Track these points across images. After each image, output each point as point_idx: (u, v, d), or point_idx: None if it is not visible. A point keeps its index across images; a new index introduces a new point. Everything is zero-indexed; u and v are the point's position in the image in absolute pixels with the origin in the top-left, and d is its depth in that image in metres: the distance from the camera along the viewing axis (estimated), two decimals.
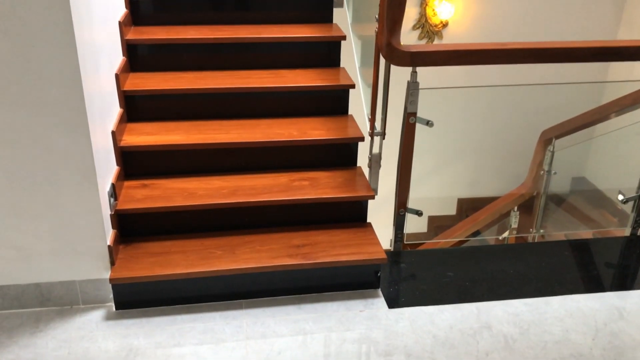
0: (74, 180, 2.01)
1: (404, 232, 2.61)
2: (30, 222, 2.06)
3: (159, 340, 2.08)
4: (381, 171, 2.51)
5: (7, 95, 1.86)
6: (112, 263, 2.19)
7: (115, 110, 2.44)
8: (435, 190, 5.32)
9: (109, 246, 2.15)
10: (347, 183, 2.49)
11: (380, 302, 2.29)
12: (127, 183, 2.45)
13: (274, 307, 2.25)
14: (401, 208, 2.55)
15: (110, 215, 2.21)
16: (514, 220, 4.01)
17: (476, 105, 4.88)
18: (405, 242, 2.62)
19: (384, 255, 2.27)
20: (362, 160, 2.60)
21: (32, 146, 1.94)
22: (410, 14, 4.71)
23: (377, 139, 2.52)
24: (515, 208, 3.86)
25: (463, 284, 2.40)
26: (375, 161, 2.54)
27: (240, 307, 2.25)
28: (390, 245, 2.63)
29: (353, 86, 2.71)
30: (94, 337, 2.09)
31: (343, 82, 2.72)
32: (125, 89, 2.57)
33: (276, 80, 2.73)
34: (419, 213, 2.60)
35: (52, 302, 2.21)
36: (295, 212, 2.44)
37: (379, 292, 2.34)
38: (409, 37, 4.79)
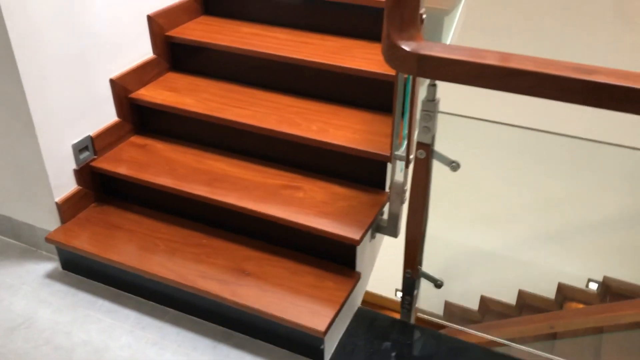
0: (15, 126, 1.86)
1: (414, 299, 1.86)
2: None
3: (60, 320, 1.88)
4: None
5: None
6: (62, 221, 2.02)
7: (135, 55, 2.18)
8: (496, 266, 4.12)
9: (56, 203, 1.98)
10: (346, 211, 1.84)
11: None
12: (133, 138, 2.23)
13: (191, 333, 1.83)
14: (408, 269, 1.80)
15: (75, 170, 2.03)
16: None
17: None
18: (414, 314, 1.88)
19: (321, 329, 1.63)
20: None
21: None
22: None
23: (401, 164, 1.79)
24: None
25: None
26: (395, 192, 1.82)
27: (162, 316, 1.90)
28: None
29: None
30: (18, 290, 1.99)
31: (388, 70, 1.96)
32: (170, 34, 2.29)
33: (330, 55, 2.12)
34: (437, 283, 1.82)
35: (22, 239, 2.17)
36: (269, 226, 1.92)
37: None
38: None
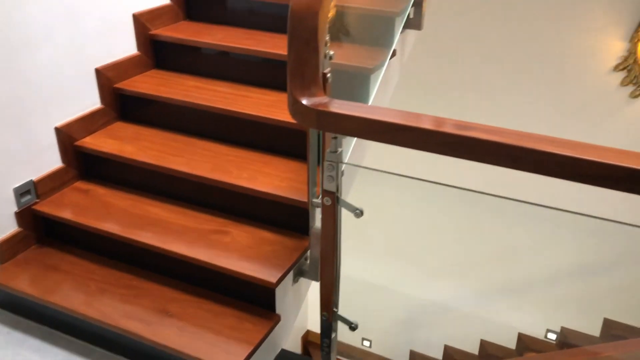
0: None
1: (332, 342, 1.93)
2: None
3: None
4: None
5: None
6: (1, 261, 2.10)
7: (82, 105, 2.31)
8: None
9: None
10: (268, 255, 1.94)
11: None
12: (78, 184, 2.33)
13: None
14: (324, 311, 1.88)
15: (16, 212, 2.12)
16: None
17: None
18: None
19: None
20: None
21: None
22: (615, 49, 3.49)
23: (319, 210, 1.89)
24: None
25: None
26: (315, 238, 1.92)
27: (90, 354, 1.96)
28: None
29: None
30: None
31: None
32: (118, 86, 2.43)
33: (264, 108, 2.25)
34: (352, 326, 1.89)
35: None
36: (196, 269, 2.00)
37: None
38: (608, 80, 3.57)
